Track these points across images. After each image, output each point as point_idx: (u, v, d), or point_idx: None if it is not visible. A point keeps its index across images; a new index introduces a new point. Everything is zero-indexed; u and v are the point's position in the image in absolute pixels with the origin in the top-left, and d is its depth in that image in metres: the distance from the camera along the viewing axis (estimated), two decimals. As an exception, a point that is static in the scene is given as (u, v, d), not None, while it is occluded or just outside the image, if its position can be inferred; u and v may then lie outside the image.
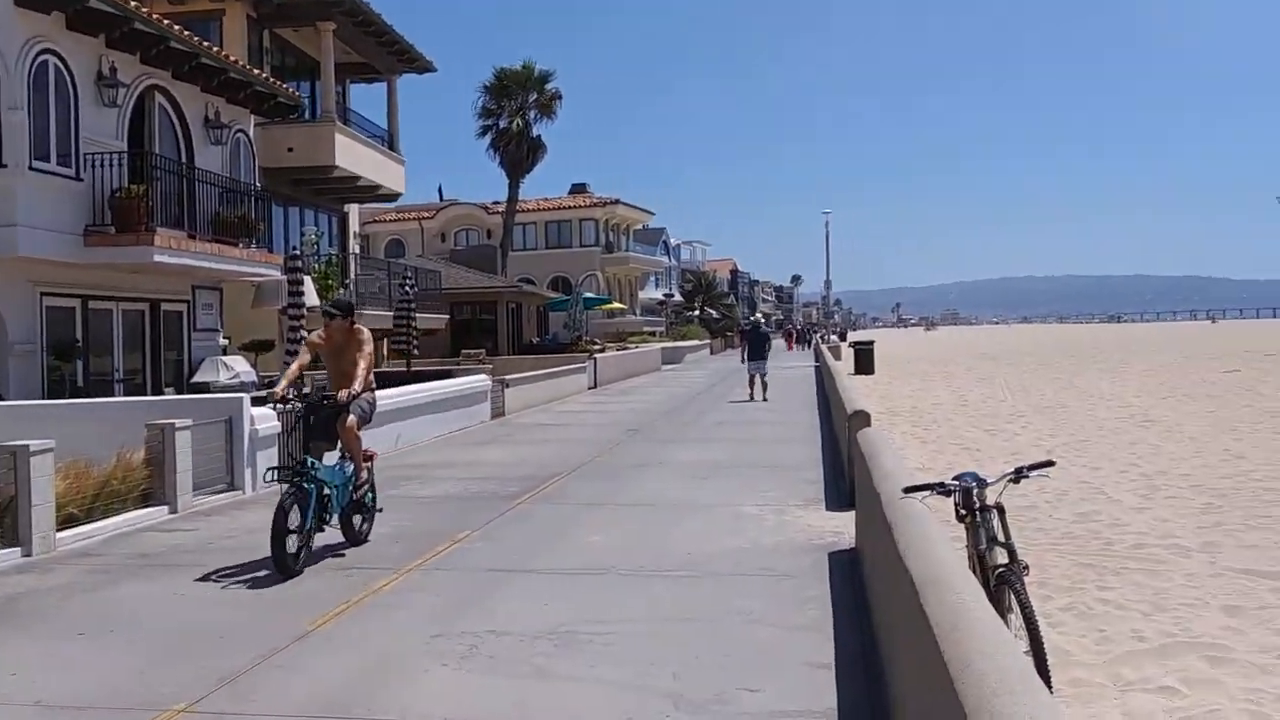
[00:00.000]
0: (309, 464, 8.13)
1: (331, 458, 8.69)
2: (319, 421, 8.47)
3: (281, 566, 7.70)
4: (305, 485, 8.00)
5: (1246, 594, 8.03)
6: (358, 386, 8.42)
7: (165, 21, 16.74)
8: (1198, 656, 6.61)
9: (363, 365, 8.54)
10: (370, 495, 9.05)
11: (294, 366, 9.00)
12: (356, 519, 8.93)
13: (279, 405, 8.79)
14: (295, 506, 7.86)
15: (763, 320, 31.13)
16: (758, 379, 25.11)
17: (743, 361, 26.60)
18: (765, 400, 24.47)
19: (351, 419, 8.50)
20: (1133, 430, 18.87)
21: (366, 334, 8.86)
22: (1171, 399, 24.26)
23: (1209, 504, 11.75)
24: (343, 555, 8.52)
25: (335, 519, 8.55)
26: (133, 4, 15.58)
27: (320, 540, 8.46)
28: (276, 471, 8.70)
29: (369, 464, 9.00)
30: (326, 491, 8.26)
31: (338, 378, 8.76)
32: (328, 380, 9.24)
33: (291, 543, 7.82)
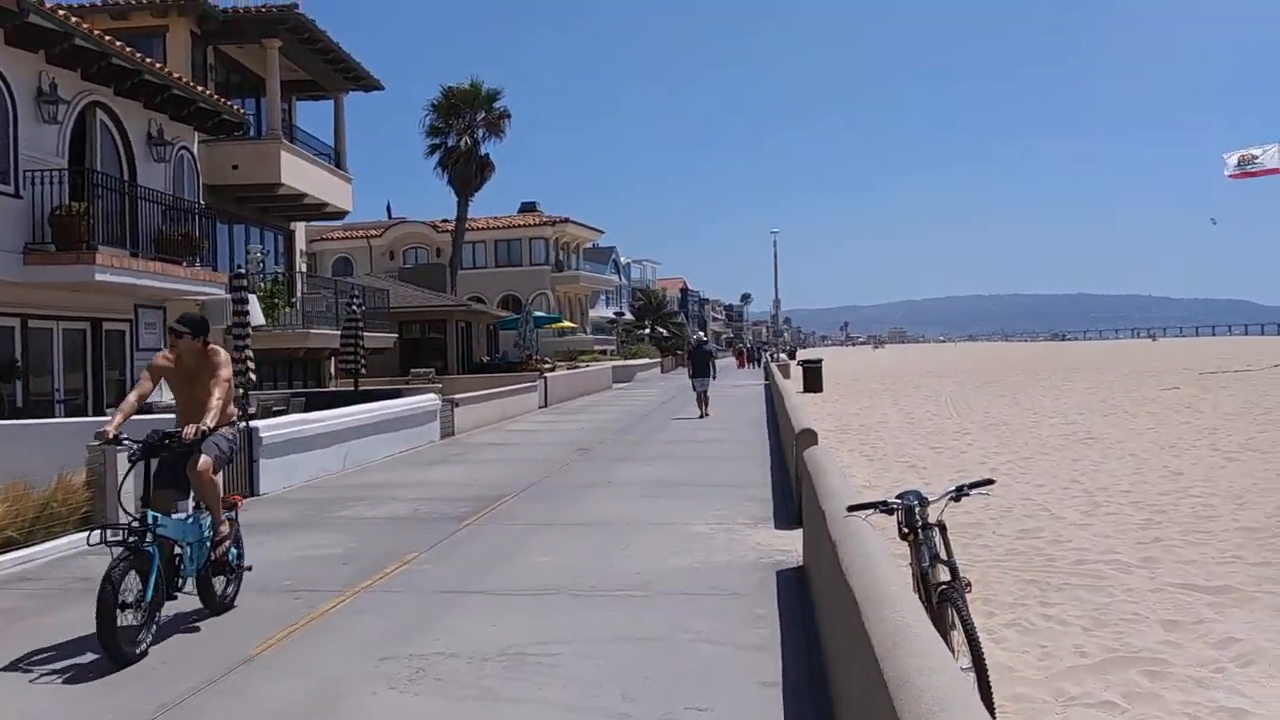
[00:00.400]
0: (150, 519, 6.61)
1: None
2: (164, 466, 7.11)
3: (113, 651, 6.11)
4: (146, 547, 6.52)
5: (1184, 608, 8.19)
6: (210, 421, 7.04)
7: (107, 38, 16.54)
8: (1137, 671, 6.72)
9: (218, 395, 7.19)
10: (235, 551, 7.68)
11: (131, 397, 7.33)
12: (219, 581, 7.46)
13: (110, 446, 7.33)
14: (133, 573, 6.41)
15: (705, 339, 32.19)
16: (702, 396, 25.92)
17: (689, 379, 27.44)
18: (709, 415, 25.17)
19: (205, 460, 7.08)
20: (1075, 447, 19.18)
21: (223, 356, 7.51)
22: (1113, 416, 24.70)
23: (1149, 520, 11.97)
24: (197, 629, 7.09)
25: (190, 584, 7.15)
26: (74, 20, 15.40)
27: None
28: (104, 531, 6.55)
29: (233, 512, 7.69)
30: (178, 551, 6.91)
31: (188, 410, 7.35)
32: (176, 413, 7.72)
33: (130, 617, 6.32)
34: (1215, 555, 10.04)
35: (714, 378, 27.02)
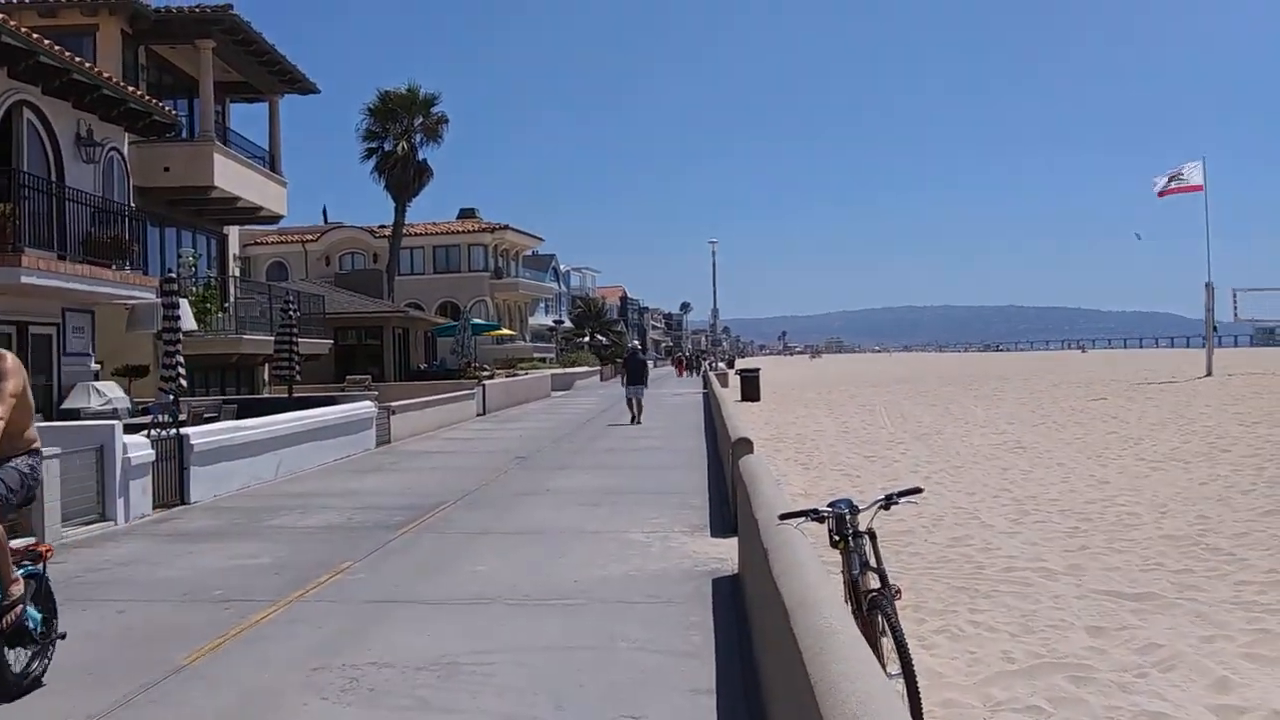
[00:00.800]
0: None
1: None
2: None
3: None
4: None
5: (1109, 615, 8.37)
6: None
7: (35, 35, 16.19)
8: (1063, 676, 6.86)
9: None
10: (37, 616, 5.94)
11: None
12: (14, 654, 5.75)
13: None
14: None
15: (639, 349, 33.51)
16: (634, 402, 27.18)
17: (623, 386, 29.06)
18: (640, 422, 26.17)
19: None
20: (1005, 456, 19.51)
21: (10, 362, 5.73)
22: (1042, 426, 25.15)
23: (1075, 528, 12.20)
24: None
25: None
26: (0, 16, 15.05)
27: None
28: None
29: (37, 565, 6.10)
30: None
31: None
32: None
33: None
34: (1139, 563, 10.27)
35: (646, 385, 28.25)
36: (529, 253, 74.24)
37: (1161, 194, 41.72)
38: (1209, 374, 38.51)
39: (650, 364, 29.38)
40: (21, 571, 5.85)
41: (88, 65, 17.86)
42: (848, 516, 5.76)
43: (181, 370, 15.07)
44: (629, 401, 27.35)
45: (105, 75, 18.28)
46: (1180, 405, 28.04)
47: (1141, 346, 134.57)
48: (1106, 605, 8.66)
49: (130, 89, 19.38)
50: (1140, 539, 11.40)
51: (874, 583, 5.58)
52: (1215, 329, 42.40)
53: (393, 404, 23.40)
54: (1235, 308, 43.11)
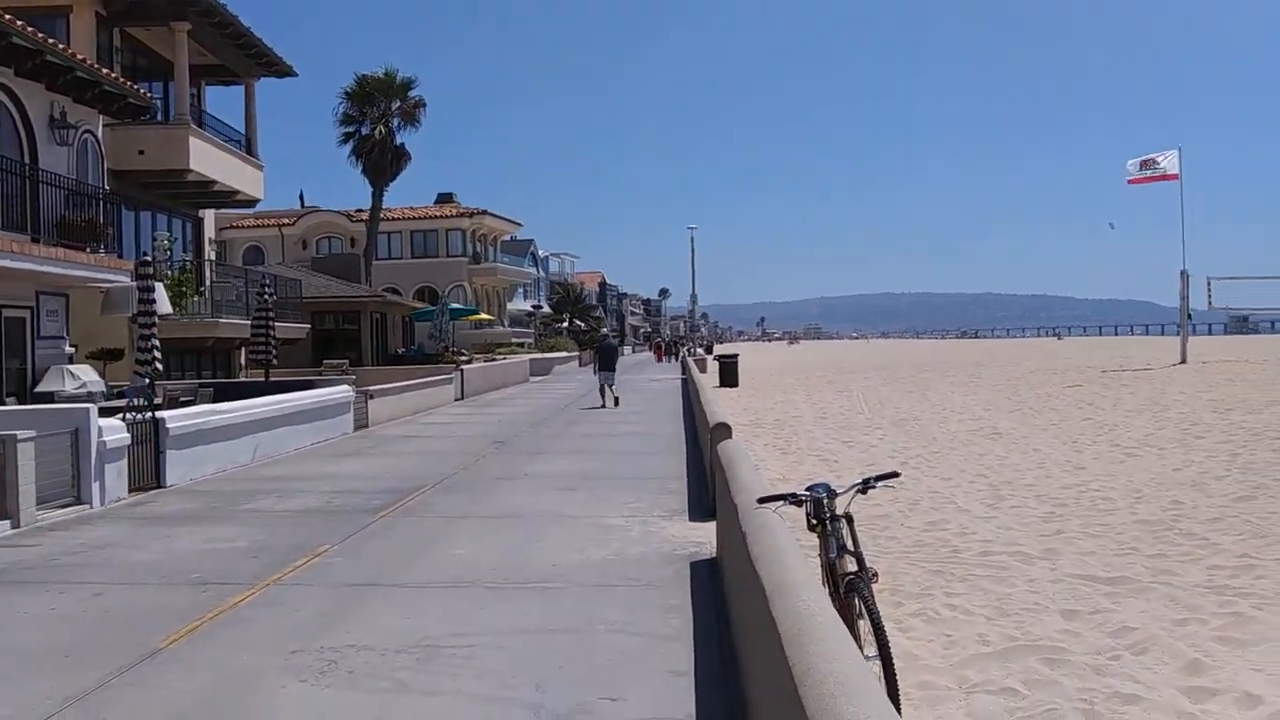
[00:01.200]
0: None
1: None
2: None
3: None
4: None
5: (1083, 599, 8.46)
6: None
7: (7, 17, 15.99)
8: (1037, 659, 6.93)
9: None
10: None
11: None
12: None
13: None
14: None
15: (611, 336, 33.80)
16: (607, 388, 28.25)
17: (595, 373, 29.89)
18: (616, 405, 27.20)
19: None
20: (981, 442, 19.63)
21: None
22: (1018, 413, 25.31)
23: (1051, 513, 12.31)
24: None
25: None
26: (-27, -4, 14.86)
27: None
28: None
29: None
30: None
31: None
32: None
33: None
34: (1113, 547, 10.37)
35: (616, 370, 29.58)
36: (507, 238, 73.99)
37: (1133, 181, 41.88)
38: (1183, 361, 38.83)
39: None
40: None
41: (61, 47, 17.66)
42: (825, 500, 5.79)
43: (157, 354, 14.96)
44: (601, 388, 28.48)
45: (79, 57, 18.08)
46: (1155, 392, 28.27)
47: (1117, 334, 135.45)
48: (1081, 589, 8.75)
49: (105, 71, 19.18)
50: (1115, 524, 11.51)
51: (851, 566, 5.61)
52: (1190, 317, 42.69)
53: (370, 388, 23.31)
54: (1210, 296, 43.42)
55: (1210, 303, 44.14)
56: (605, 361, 28.95)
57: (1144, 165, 41.46)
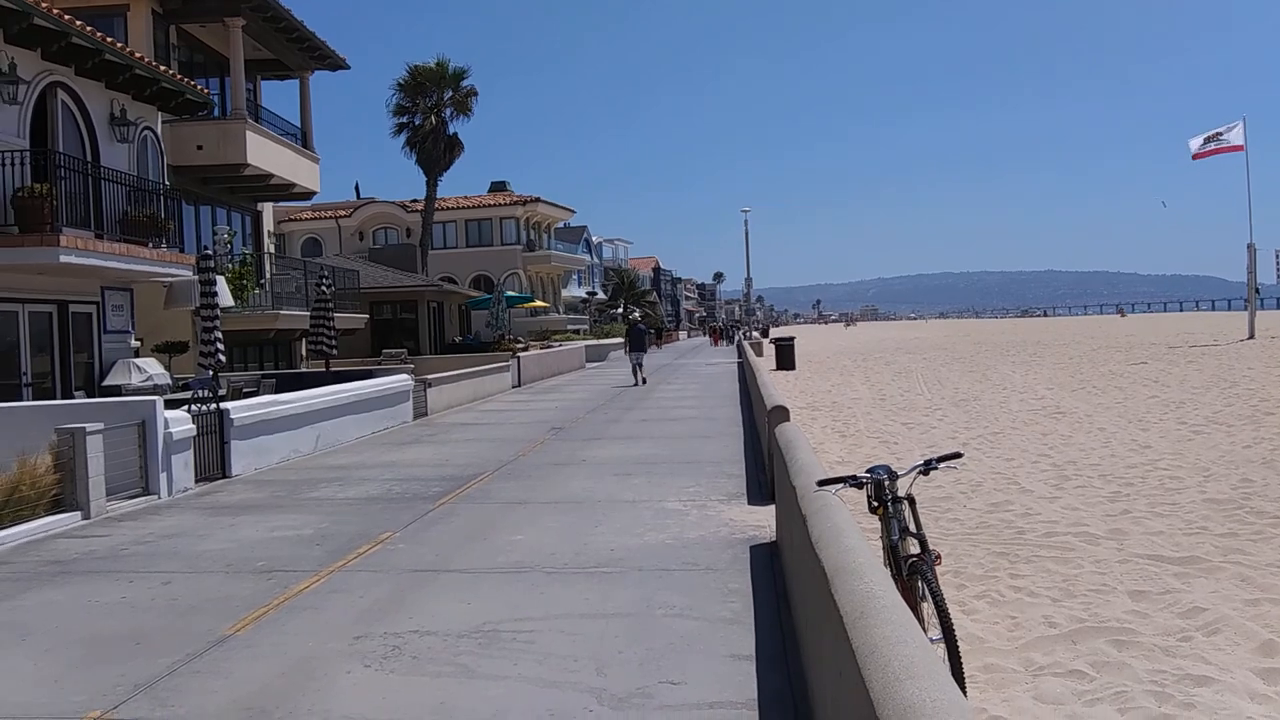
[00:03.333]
0: None
1: None
2: None
3: None
4: None
5: (1151, 579, 8.30)
6: None
7: (66, 17, 16.28)
8: (1105, 640, 6.81)
9: None
10: None
11: None
12: None
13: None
14: None
15: (640, 320, 39.81)
16: (637, 368, 31.36)
17: (626, 353, 33.73)
18: (645, 383, 30.24)
19: None
20: (1044, 422, 19.35)
21: None
22: (1081, 391, 24.91)
23: (1117, 493, 12.10)
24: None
25: None
26: (33, -1, 15.14)
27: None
28: None
29: None
30: None
31: None
32: None
33: None
34: (1182, 527, 10.17)
35: (646, 351, 33.06)
36: (560, 225, 74.21)
37: (1197, 156, 41.00)
38: (1251, 336, 37.95)
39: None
40: None
41: (119, 45, 17.94)
42: (886, 482, 5.73)
43: (220, 346, 15.22)
44: (633, 368, 31.52)
45: (137, 55, 18.37)
46: (1223, 369, 27.67)
47: (1182, 310, 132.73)
48: (1149, 569, 8.59)
49: (162, 68, 19.47)
50: (1183, 503, 11.29)
51: (914, 548, 5.55)
52: (1258, 291, 41.74)
53: (429, 377, 23.51)
54: (1278, 269, 42.39)
55: (1279, 276, 43.10)
56: (635, 342, 32.33)
57: (1208, 140, 40.54)
